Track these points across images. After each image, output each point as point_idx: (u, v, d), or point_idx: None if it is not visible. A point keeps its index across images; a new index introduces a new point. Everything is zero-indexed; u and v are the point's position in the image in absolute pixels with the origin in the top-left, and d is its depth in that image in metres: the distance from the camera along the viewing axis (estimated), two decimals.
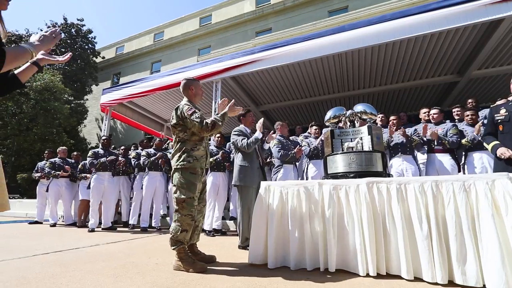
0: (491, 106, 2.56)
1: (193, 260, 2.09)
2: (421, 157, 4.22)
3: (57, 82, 14.19)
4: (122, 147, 5.51)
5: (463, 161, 3.68)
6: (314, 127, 4.56)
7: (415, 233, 1.81)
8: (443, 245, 1.74)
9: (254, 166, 2.99)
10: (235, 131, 3.05)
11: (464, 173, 3.60)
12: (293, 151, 4.03)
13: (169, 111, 8.66)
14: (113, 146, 5.66)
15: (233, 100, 2.33)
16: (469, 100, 4.47)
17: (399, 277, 1.80)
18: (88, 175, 5.11)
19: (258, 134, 2.92)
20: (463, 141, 3.56)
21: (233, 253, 2.69)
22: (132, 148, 6.24)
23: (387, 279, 1.79)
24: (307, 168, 4.34)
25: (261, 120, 2.94)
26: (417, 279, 1.76)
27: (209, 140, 4.87)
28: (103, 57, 19.63)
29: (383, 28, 4.89)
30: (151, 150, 4.91)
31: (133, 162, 4.95)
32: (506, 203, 1.67)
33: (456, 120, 3.85)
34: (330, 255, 1.94)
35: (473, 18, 4.37)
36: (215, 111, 6.33)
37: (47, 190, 5.38)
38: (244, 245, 2.87)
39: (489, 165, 3.42)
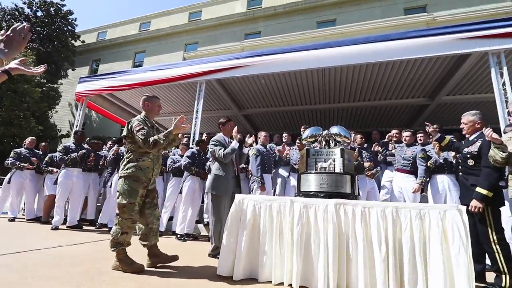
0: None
1: (132, 261, 2.26)
2: (390, 175, 4.50)
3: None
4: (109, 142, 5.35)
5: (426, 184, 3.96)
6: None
7: (374, 255, 1.95)
8: (397, 268, 1.90)
9: (229, 175, 3.03)
10: (213, 141, 3.09)
11: (426, 194, 3.89)
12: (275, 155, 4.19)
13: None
14: (88, 138, 5.38)
15: (180, 116, 2.47)
16: (434, 126, 4.82)
17: None
18: (55, 169, 4.86)
19: (234, 144, 2.98)
20: (428, 163, 3.84)
21: (203, 261, 2.72)
22: (110, 144, 6.00)
23: None
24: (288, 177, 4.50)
25: (236, 129, 3.02)
26: None
27: (175, 148, 4.87)
28: (83, 41, 18.65)
29: (366, 49, 5.14)
30: (121, 149, 4.75)
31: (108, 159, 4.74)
32: (453, 233, 1.86)
33: (419, 144, 4.13)
34: (295, 271, 2.03)
35: (445, 50, 4.74)
36: (197, 112, 6.28)
37: (9, 182, 5.03)
38: (214, 254, 2.90)
39: (449, 188, 3.72)
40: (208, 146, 3.27)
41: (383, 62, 5.32)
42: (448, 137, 2.97)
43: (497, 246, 2.22)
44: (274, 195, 4.47)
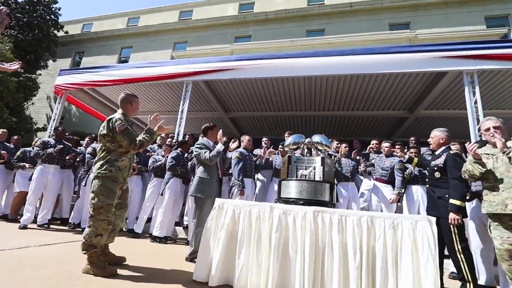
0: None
1: (104, 264, 2.22)
2: (368, 183, 4.64)
3: (6, 51, 12.58)
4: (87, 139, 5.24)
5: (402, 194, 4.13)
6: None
7: (349, 262, 2.00)
8: (370, 275, 1.96)
9: (213, 178, 3.05)
10: (198, 144, 3.09)
11: (402, 203, 4.04)
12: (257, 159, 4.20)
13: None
14: (67, 134, 5.14)
15: (155, 114, 2.48)
16: (411, 138, 5.05)
17: None
18: (27, 164, 4.61)
19: (220, 147, 3.01)
20: (404, 174, 4.01)
21: (179, 265, 2.67)
22: (87, 140, 5.75)
23: None
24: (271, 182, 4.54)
25: (221, 132, 3.04)
26: None
27: (159, 148, 4.82)
28: (66, 32, 17.90)
29: (352, 60, 5.31)
30: (97, 146, 4.57)
31: (87, 158, 4.53)
32: (423, 242, 1.94)
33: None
34: (271, 278, 2.04)
35: (424, 67, 5.00)
36: (182, 112, 6.20)
37: None
38: (192, 258, 2.86)
39: (422, 198, 3.89)
40: (192, 148, 3.25)
41: (367, 74, 5.52)
42: (416, 159, 3.15)
43: (462, 256, 2.35)
44: (254, 199, 4.48)
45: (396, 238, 2.03)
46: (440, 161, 2.60)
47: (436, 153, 2.74)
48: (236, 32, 15.43)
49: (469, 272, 2.31)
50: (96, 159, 2.37)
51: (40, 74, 16.63)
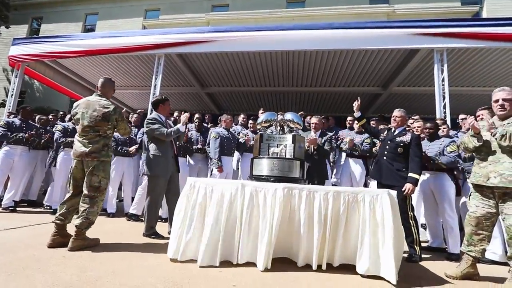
0: None
1: (88, 237, 2.41)
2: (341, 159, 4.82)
3: None
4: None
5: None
6: (251, 121, 4.79)
7: (314, 233, 2.13)
8: (330, 245, 2.12)
9: (168, 155, 2.98)
10: (150, 119, 2.96)
11: (367, 179, 4.28)
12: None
13: (102, 76, 7.69)
14: (37, 117, 4.83)
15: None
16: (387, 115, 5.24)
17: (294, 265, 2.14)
18: None
19: (181, 127, 2.96)
20: (374, 149, 4.19)
21: (147, 244, 2.69)
22: (51, 116, 5.37)
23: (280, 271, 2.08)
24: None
25: (187, 114, 2.99)
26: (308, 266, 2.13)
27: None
28: None
29: (329, 35, 5.25)
30: (69, 125, 4.33)
31: (57, 136, 4.26)
32: (383, 213, 2.11)
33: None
34: (242, 249, 2.13)
35: (399, 44, 5.08)
36: (155, 87, 5.92)
37: None
38: (148, 233, 2.89)
39: None
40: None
41: (344, 50, 5.51)
42: (365, 119, 3.30)
43: (413, 221, 2.64)
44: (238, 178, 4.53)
45: (358, 210, 2.18)
46: (406, 138, 2.79)
47: (397, 131, 2.91)
48: (213, 0, 14.48)
49: (418, 236, 2.61)
50: (93, 144, 2.43)
51: None
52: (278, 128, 2.82)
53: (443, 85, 4.93)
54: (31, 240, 2.53)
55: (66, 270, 1.84)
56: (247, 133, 4.70)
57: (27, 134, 4.18)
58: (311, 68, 6.57)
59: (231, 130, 4.59)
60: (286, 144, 2.56)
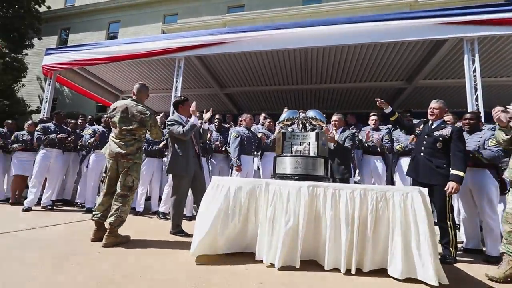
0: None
1: (120, 234, 2.55)
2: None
3: None
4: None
5: (395, 165, 4.19)
6: (268, 120, 4.77)
7: (341, 233, 2.09)
8: (359, 246, 2.05)
9: (189, 154, 3.01)
10: (170, 121, 3.04)
11: (393, 176, 4.12)
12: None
13: (126, 81, 8.04)
14: (69, 121, 5.18)
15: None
16: (403, 111, 5.02)
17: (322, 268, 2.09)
18: (15, 145, 4.68)
19: (194, 120, 2.93)
20: (398, 147, 4.03)
21: (175, 241, 2.78)
22: (80, 120, 5.71)
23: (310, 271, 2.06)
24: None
25: (194, 104, 2.97)
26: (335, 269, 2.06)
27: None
28: (49, 7, 16.87)
29: (349, 30, 5.11)
30: (99, 128, 4.58)
31: (85, 139, 4.52)
32: (415, 212, 2.02)
33: (392, 128, 4.34)
34: (278, 250, 2.12)
35: (424, 35, 4.81)
36: (176, 89, 6.08)
37: None
38: (175, 231, 2.98)
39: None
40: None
41: (364, 44, 5.33)
42: (397, 114, 3.05)
43: (451, 222, 2.48)
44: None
45: (388, 209, 2.10)
46: (446, 132, 2.58)
47: (434, 124, 2.71)
48: (229, 2, 14.61)
49: (455, 238, 2.46)
50: (128, 147, 2.57)
51: (27, 54, 15.98)
52: (300, 126, 2.80)
53: (474, 76, 4.63)
54: (69, 236, 2.71)
55: (102, 265, 1.95)
56: (265, 131, 4.69)
57: (59, 136, 4.38)
58: (330, 64, 6.44)
59: (251, 129, 4.62)
60: (309, 142, 2.53)
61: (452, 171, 2.46)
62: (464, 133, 2.90)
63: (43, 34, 16.62)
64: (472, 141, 2.85)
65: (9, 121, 5.40)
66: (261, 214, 2.25)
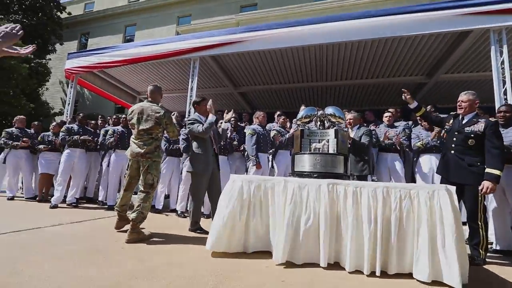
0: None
1: (142, 231, 2.63)
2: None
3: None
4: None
5: (414, 163, 4.03)
6: (282, 117, 4.73)
7: (363, 232, 2.03)
8: (383, 246, 1.98)
9: (208, 153, 3.05)
10: (189, 120, 3.08)
11: (414, 173, 3.97)
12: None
13: (143, 83, 8.23)
14: (89, 122, 5.42)
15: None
16: (428, 107, 4.81)
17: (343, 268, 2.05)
18: (41, 146, 4.91)
19: (211, 118, 2.97)
20: (418, 143, 3.86)
21: (194, 238, 2.81)
22: (100, 120, 5.91)
23: (332, 269, 2.02)
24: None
25: (210, 101, 3.01)
26: (358, 271, 1.99)
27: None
28: (69, 13, 17.62)
29: (365, 24, 4.97)
30: (119, 128, 4.73)
31: (105, 138, 4.69)
32: (441, 212, 1.93)
33: (387, 125, 4.24)
34: (286, 247, 2.11)
35: (446, 27, 4.60)
36: (191, 89, 6.16)
37: (4, 162, 5.02)
38: (193, 229, 3.03)
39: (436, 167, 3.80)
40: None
41: (382, 38, 5.17)
42: (423, 108, 2.88)
43: (482, 223, 2.35)
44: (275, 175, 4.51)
45: (413, 208, 2.02)
46: (479, 127, 2.38)
47: (465, 119, 2.52)
48: (241, 1, 14.64)
49: (486, 239, 2.33)
50: (147, 146, 2.64)
51: (50, 59, 16.75)
52: (319, 123, 2.75)
53: (502, 68, 4.38)
54: (93, 232, 2.81)
55: (126, 260, 2.00)
56: (279, 129, 4.65)
57: (82, 137, 4.60)
58: (346, 60, 6.30)
59: (266, 127, 4.60)
60: (328, 139, 2.49)
61: (487, 170, 2.28)
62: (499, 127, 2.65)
63: (64, 39, 17.36)
64: (507, 136, 2.65)
65: (36, 122, 5.68)
66: (280, 212, 2.24)
